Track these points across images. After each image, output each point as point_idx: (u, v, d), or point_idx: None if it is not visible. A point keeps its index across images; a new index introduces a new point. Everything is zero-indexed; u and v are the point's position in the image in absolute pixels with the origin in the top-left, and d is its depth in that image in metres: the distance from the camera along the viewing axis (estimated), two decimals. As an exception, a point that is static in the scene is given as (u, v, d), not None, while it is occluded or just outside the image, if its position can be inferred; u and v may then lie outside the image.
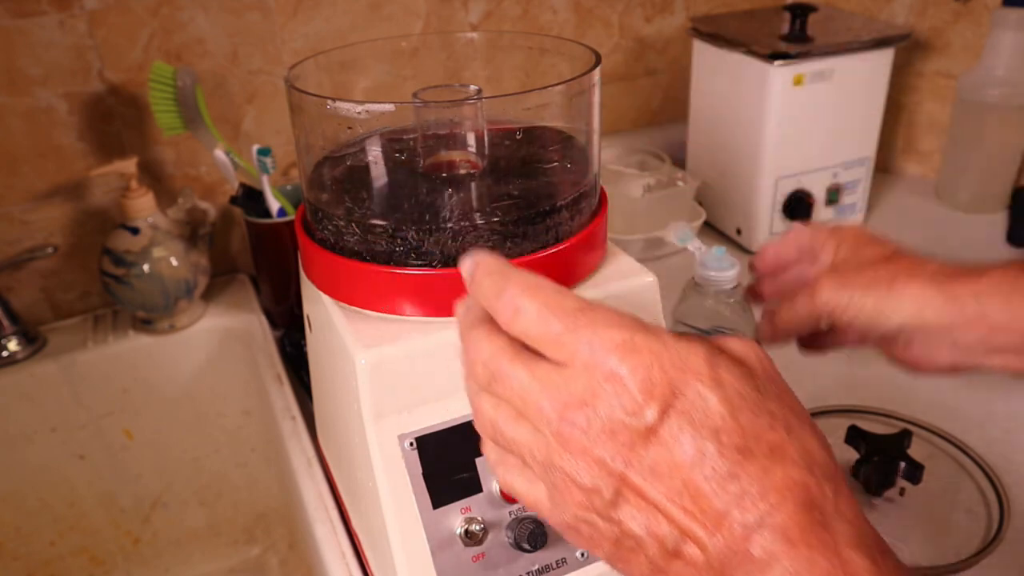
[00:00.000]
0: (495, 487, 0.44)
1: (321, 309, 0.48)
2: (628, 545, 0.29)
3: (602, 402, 0.29)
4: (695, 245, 0.59)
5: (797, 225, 0.56)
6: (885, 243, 0.51)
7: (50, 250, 0.80)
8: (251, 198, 0.81)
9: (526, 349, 0.31)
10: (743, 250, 0.97)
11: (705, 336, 0.31)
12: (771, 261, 0.56)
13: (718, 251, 0.59)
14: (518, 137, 0.52)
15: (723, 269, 0.58)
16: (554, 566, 0.45)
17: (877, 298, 0.47)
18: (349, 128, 0.50)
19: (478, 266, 0.33)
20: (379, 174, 0.52)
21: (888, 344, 0.50)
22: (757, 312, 0.58)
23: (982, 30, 1.00)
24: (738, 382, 0.29)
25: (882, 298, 0.47)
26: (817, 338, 0.54)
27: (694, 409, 0.28)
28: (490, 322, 0.33)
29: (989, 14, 0.98)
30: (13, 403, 0.78)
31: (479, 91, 0.49)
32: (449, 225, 0.44)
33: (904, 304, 0.46)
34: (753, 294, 0.58)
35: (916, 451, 0.61)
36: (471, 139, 0.50)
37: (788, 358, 0.77)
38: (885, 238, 0.52)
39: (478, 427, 0.33)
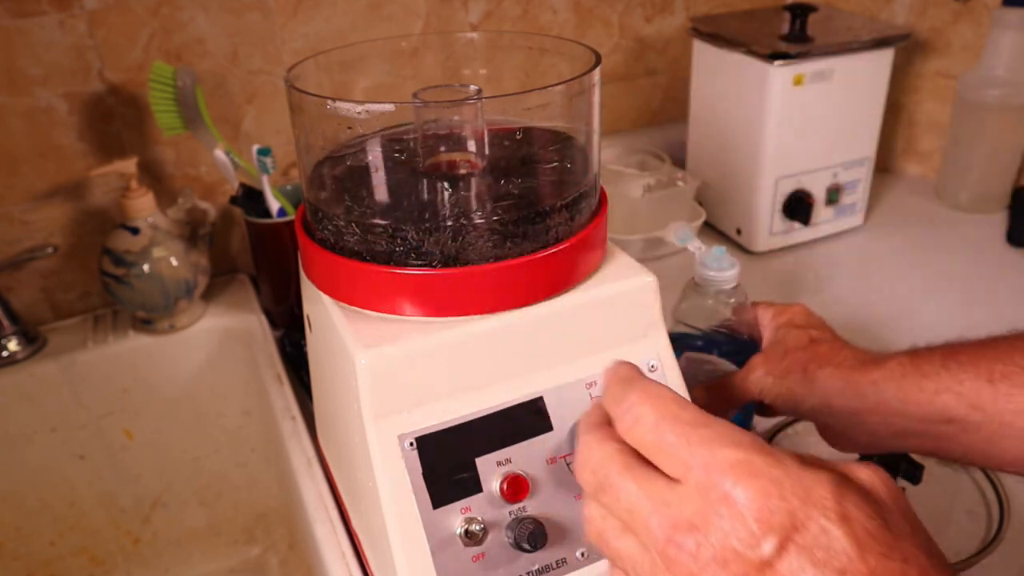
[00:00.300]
0: (495, 487, 0.44)
1: (321, 309, 0.48)
2: None
3: (714, 527, 0.27)
4: (695, 245, 0.59)
5: (750, 304, 0.60)
6: (811, 328, 0.54)
7: (50, 250, 0.80)
8: (251, 198, 0.81)
9: (640, 460, 0.30)
10: (743, 250, 0.97)
11: (830, 462, 0.29)
12: (749, 330, 0.59)
13: (718, 251, 0.59)
14: (518, 137, 0.52)
15: (723, 269, 0.58)
16: (554, 566, 0.45)
17: (792, 383, 0.51)
18: (349, 128, 0.50)
19: (610, 372, 0.34)
20: (379, 174, 0.52)
21: (814, 423, 0.53)
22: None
23: (982, 30, 1.00)
24: (868, 519, 0.26)
25: (796, 384, 0.50)
26: (761, 406, 0.57)
27: (817, 545, 0.26)
28: (606, 427, 0.32)
29: (989, 14, 0.98)
30: (13, 403, 0.78)
31: (479, 91, 0.49)
32: (449, 225, 0.44)
33: (814, 391, 0.50)
34: None
35: (916, 451, 0.61)
36: (471, 139, 0.50)
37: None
38: (816, 319, 0.56)
39: (585, 533, 0.33)
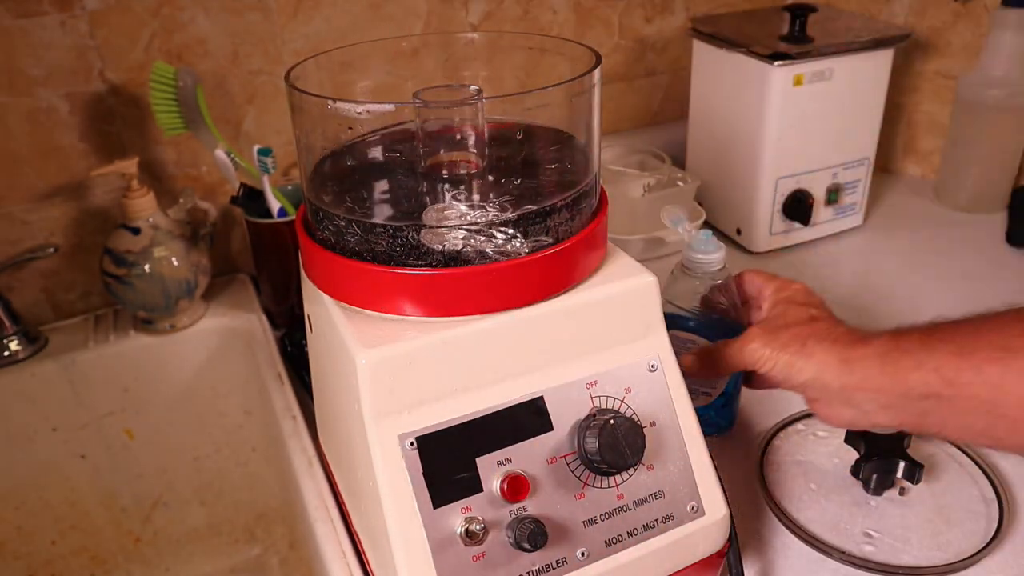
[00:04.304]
0: (495, 486, 0.44)
1: (322, 309, 0.49)
2: None
3: None
4: (684, 228, 0.61)
5: (748, 272, 0.61)
6: (811, 305, 0.57)
7: (51, 250, 0.80)
8: (252, 198, 0.81)
9: None
10: (743, 250, 0.98)
11: None
12: (728, 298, 0.61)
13: (704, 235, 0.62)
14: (518, 137, 0.52)
15: (709, 252, 0.61)
16: (554, 566, 0.45)
17: (790, 356, 0.53)
18: (349, 128, 0.50)
19: None
20: (379, 174, 0.52)
21: (803, 395, 0.55)
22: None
23: (982, 30, 1.00)
24: None
25: (794, 356, 0.53)
26: (749, 377, 0.59)
27: None
28: None
29: (989, 14, 0.98)
30: (14, 403, 0.78)
31: (479, 91, 0.50)
32: (449, 225, 0.44)
33: (809, 365, 0.52)
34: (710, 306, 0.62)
35: (916, 451, 0.61)
36: (471, 139, 0.50)
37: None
38: (816, 299, 0.58)
39: None
